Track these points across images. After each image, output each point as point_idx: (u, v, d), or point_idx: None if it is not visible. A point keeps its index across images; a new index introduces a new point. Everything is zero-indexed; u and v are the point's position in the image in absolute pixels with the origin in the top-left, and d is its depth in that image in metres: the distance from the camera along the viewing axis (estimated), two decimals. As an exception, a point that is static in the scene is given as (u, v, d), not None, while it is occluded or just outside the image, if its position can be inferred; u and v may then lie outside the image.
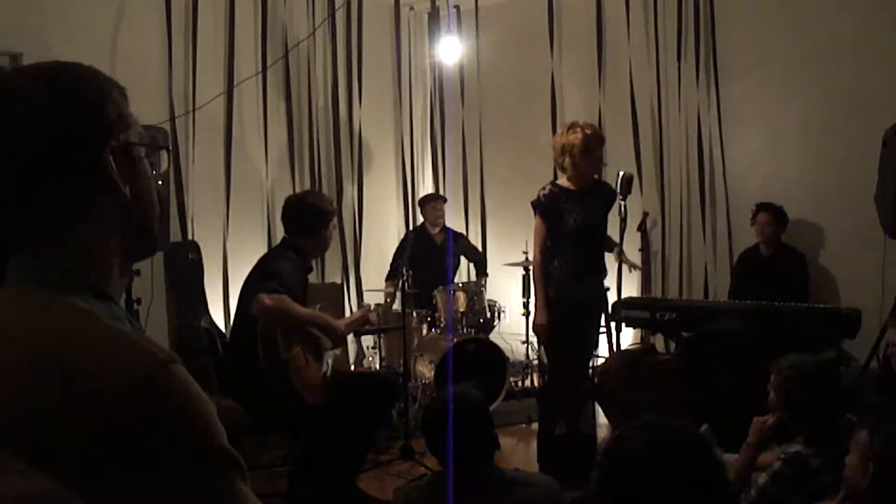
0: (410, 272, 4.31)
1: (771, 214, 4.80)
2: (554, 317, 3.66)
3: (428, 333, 5.23)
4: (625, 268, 4.81)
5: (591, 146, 3.60)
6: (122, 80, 0.89)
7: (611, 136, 5.77)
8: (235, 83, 5.13)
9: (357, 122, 5.99)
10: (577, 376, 3.78)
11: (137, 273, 3.67)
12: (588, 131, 3.61)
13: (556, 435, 3.82)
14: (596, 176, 3.81)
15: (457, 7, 5.86)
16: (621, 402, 4.05)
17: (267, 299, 3.06)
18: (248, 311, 3.14)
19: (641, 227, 5.31)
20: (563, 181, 3.72)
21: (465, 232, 6.21)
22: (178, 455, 0.73)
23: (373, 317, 3.85)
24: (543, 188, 3.71)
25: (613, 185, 3.80)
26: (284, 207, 3.54)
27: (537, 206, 3.69)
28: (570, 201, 3.62)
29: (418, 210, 6.10)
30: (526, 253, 5.09)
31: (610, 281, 5.50)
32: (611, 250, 3.95)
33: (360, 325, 3.81)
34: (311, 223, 3.43)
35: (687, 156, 5.48)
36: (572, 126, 3.65)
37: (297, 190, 5.50)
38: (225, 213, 5.09)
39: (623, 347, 5.01)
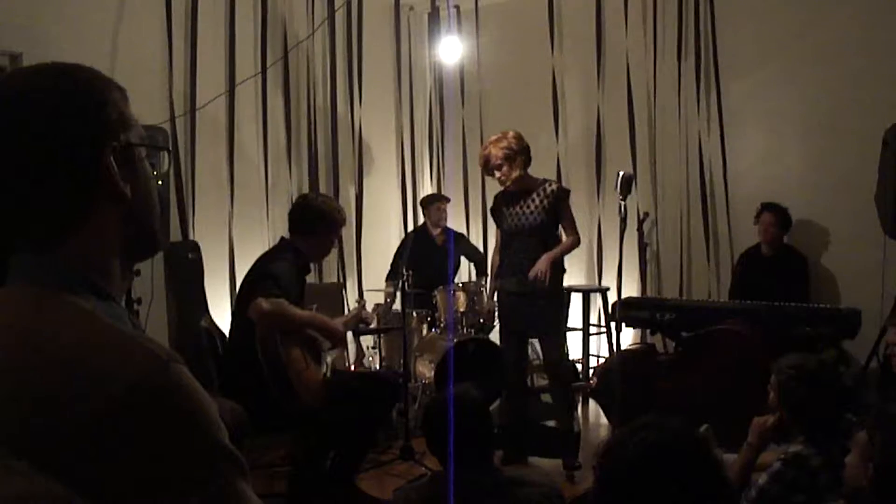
0: (410, 272, 4.31)
1: (775, 215, 4.80)
2: (497, 310, 4.27)
3: (428, 333, 5.23)
4: (625, 266, 4.82)
5: (488, 170, 4.00)
6: (122, 80, 0.89)
7: (611, 135, 5.82)
8: (235, 83, 5.13)
9: (357, 122, 5.99)
10: (514, 361, 4.11)
11: (137, 273, 3.67)
12: (482, 156, 4.00)
13: (512, 416, 4.13)
14: (543, 177, 4.11)
15: (457, 7, 5.86)
16: (621, 402, 4.06)
17: (264, 303, 3.05)
18: (246, 311, 3.14)
19: (640, 228, 5.30)
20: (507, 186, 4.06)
21: (465, 232, 6.21)
22: (179, 454, 0.73)
23: (365, 314, 3.86)
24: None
25: (614, 185, 3.81)
26: (293, 206, 3.57)
27: (490, 213, 4.25)
28: (505, 204, 4.05)
29: (419, 210, 6.09)
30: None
31: (610, 281, 5.51)
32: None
33: (356, 324, 3.82)
34: (313, 224, 3.43)
35: (687, 155, 5.48)
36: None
37: (296, 190, 5.52)
38: (228, 212, 5.09)
39: (623, 347, 5.02)
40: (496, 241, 4.25)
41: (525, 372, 4.32)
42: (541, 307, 3.91)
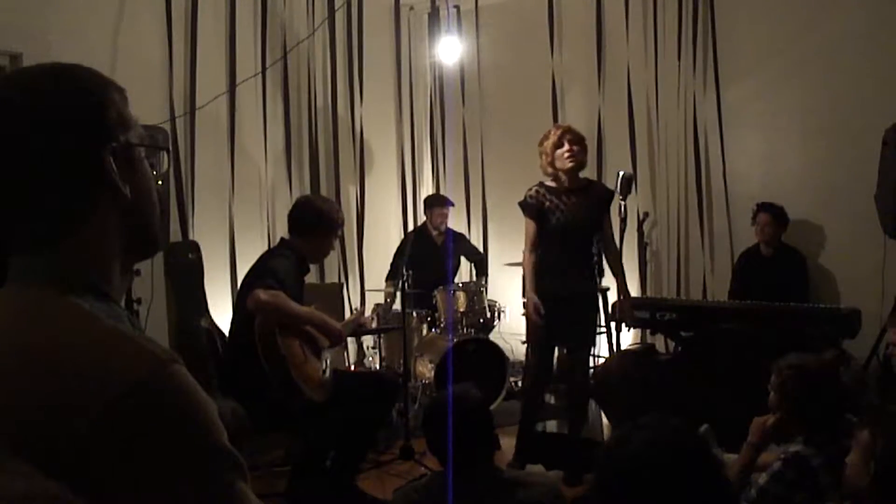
0: (410, 272, 4.31)
1: (771, 215, 4.80)
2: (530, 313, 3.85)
3: (428, 333, 5.23)
4: (625, 266, 4.82)
5: (563, 140, 3.74)
6: (122, 80, 0.89)
7: (611, 135, 5.81)
8: (235, 83, 5.13)
9: (357, 122, 5.99)
10: (544, 372, 3.95)
11: (137, 273, 3.67)
12: (559, 130, 3.79)
13: (537, 431, 4.02)
14: (586, 176, 3.92)
15: (457, 7, 5.86)
16: (621, 402, 4.06)
17: (263, 294, 3.06)
18: (245, 310, 3.14)
19: (640, 228, 5.31)
20: (548, 181, 3.86)
21: (466, 232, 6.21)
22: (178, 455, 0.73)
23: (365, 320, 3.86)
24: (530, 189, 3.87)
25: (613, 185, 3.84)
26: (293, 206, 3.58)
27: (524, 206, 3.86)
28: (555, 200, 3.78)
29: (419, 210, 6.07)
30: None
31: (610, 281, 5.50)
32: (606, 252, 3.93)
33: (356, 328, 3.83)
34: (312, 225, 3.43)
35: (686, 155, 5.48)
36: (549, 131, 3.84)
37: (296, 190, 5.52)
38: (228, 212, 5.10)
39: (623, 347, 5.01)
40: (530, 242, 3.86)
41: (547, 382, 4.22)
42: (582, 315, 3.79)
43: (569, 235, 3.76)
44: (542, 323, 3.76)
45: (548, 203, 3.79)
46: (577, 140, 3.78)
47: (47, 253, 0.82)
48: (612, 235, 3.89)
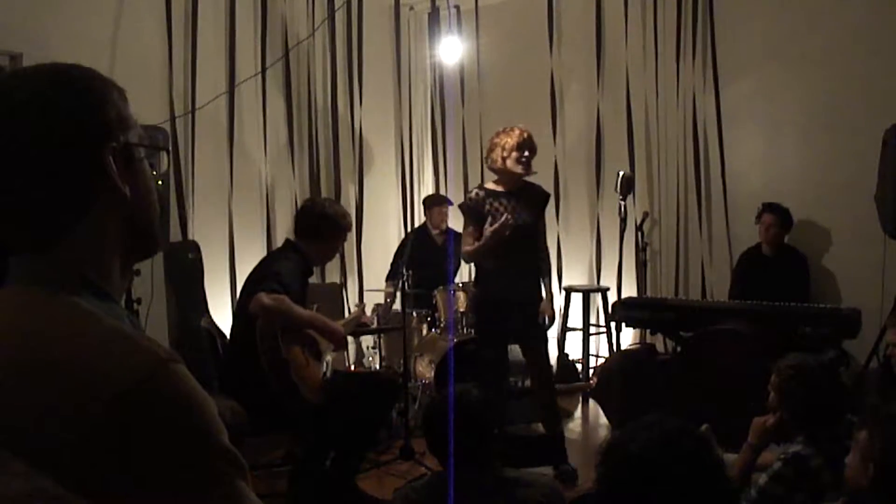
0: (410, 272, 4.31)
1: (777, 215, 4.79)
2: (479, 317, 3.96)
3: (428, 333, 5.23)
4: (625, 266, 4.82)
5: (523, 146, 3.71)
6: (121, 80, 0.89)
7: (610, 135, 5.82)
8: (235, 83, 5.14)
9: (357, 122, 5.99)
10: (494, 372, 3.86)
11: (137, 273, 3.67)
12: (525, 134, 3.74)
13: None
14: (528, 179, 3.86)
15: (457, 7, 5.86)
16: (621, 402, 4.06)
17: (266, 298, 3.06)
18: (247, 310, 3.14)
19: (640, 227, 5.31)
20: (489, 184, 3.83)
21: (465, 232, 6.21)
22: (178, 453, 0.73)
23: (365, 317, 3.85)
24: (471, 191, 3.86)
25: (614, 185, 3.84)
26: (299, 209, 3.58)
27: (464, 209, 3.82)
28: (496, 203, 3.74)
29: (419, 210, 6.07)
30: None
31: (610, 281, 5.51)
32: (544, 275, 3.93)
33: (355, 326, 3.82)
34: (318, 229, 3.43)
35: (685, 155, 5.48)
36: (511, 127, 3.78)
37: (297, 190, 5.52)
38: (228, 212, 5.10)
39: (623, 347, 5.02)
40: (470, 244, 3.77)
41: (507, 376, 4.21)
42: (529, 317, 3.79)
43: (512, 238, 3.67)
44: (489, 320, 3.83)
45: (488, 206, 3.72)
46: (534, 151, 3.78)
47: (47, 252, 0.82)
48: (546, 237, 3.93)
